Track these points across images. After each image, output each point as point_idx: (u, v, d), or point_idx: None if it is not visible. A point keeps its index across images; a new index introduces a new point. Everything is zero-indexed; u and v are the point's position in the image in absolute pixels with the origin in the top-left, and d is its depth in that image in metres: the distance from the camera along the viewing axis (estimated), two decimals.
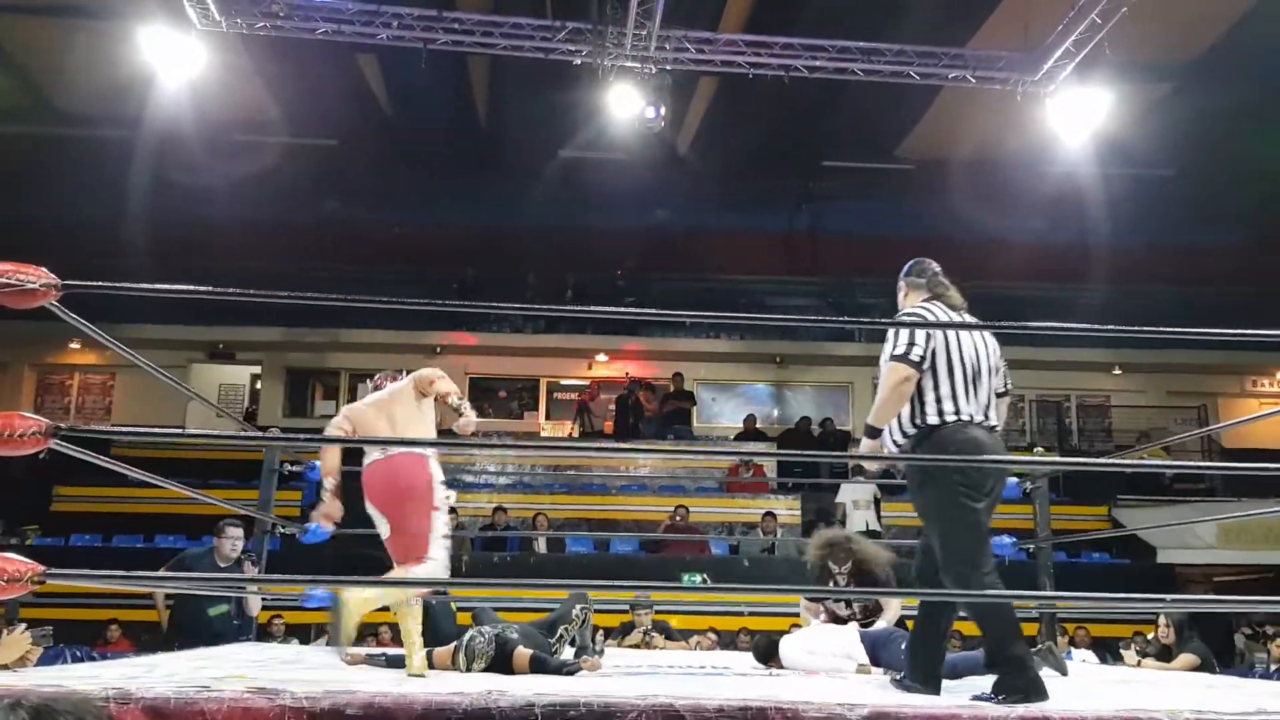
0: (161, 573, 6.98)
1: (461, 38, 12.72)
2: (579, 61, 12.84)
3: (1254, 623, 14.07)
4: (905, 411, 4.30)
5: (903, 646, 5.01)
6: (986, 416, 4.27)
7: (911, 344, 4.23)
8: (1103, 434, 20.96)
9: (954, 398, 4.21)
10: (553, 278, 20.87)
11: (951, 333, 4.29)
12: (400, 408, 5.19)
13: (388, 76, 18.07)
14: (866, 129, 19.14)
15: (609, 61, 12.59)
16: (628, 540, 15.47)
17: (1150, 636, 11.48)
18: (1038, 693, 3.74)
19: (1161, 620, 9.31)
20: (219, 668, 4.35)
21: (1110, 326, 4.56)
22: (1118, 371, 21.23)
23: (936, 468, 4.18)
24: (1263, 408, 20.56)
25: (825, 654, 5.77)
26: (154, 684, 3.14)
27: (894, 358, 4.25)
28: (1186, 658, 8.83)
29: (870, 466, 4.61)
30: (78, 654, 10.35)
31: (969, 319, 4.44)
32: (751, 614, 12.76)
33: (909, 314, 4.40)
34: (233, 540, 7.39)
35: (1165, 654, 9.15)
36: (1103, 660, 10.82)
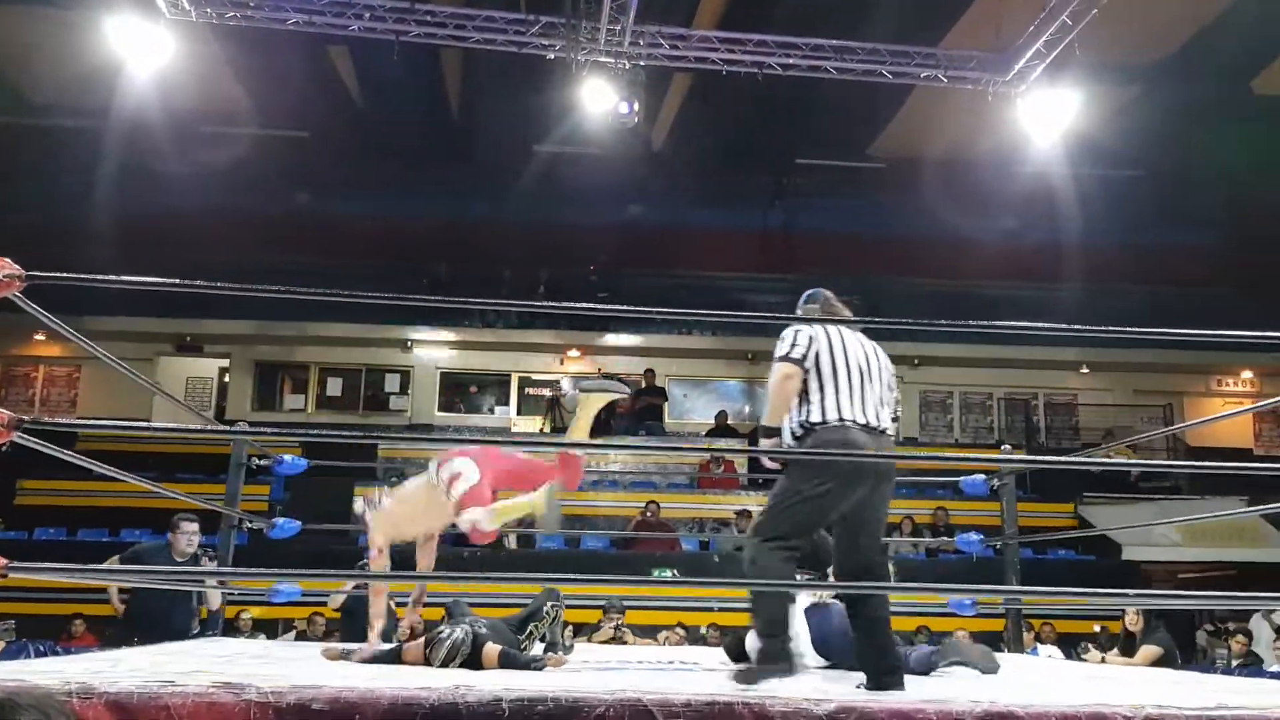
0: (117, 566, 6.97)
1: (434, 30, 12.66)
2: (552, 56, 12.80)
3: (1216, 619, 14.21)
4: (794, 413, 4.51)
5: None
6: (871, 420, 4.45)
7: (793, 345, 4.50)
8: (1070, 432, 21.09)
9: (836, 400, 4.43)
10: (525, 273, 20.85)
11: (836, 340, 4.52)
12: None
13: (359, 68, 18.00)
14: (840, 127, 19.21)
15: (582, 56, 12.56)
16: (599, 536, 15.46)
17: (1119, 628, 11.60)
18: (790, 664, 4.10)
19: (1129, 609, 9.37)
20: (184, 662, 4.32)
21: (1077, 326, 4.59)
22: (1085, 370, 21.37)
23: (797, 460, 4.43)
24: (1227, 407, 20.73)
25: None
26: (118, 679, 3.11)
27: (777, 359, 4.52)
28: (1149, 649, 8.88)
29: (768, 464, 4.78)
30: (41, 649, 10.26)
31: (859, 334, 4.67)
32: (721, 609, 12.78)
33: (799, 324, 4.66)
34: (188, 535, 7.25)
35: (1129, 643, 9.20)
36: (1068, 656, 10.89)
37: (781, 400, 4.51)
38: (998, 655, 5.64)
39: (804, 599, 5.79)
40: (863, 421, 4.41)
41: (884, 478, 4.46)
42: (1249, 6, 14.96)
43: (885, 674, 4.15)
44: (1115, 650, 9.47)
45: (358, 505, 5.61)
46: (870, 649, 4.31)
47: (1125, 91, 16.99)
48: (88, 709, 2.88)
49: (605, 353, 20.63)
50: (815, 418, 4.42)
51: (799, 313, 4.91)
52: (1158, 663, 8.68)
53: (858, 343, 4.59)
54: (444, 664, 4.82)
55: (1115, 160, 19.12)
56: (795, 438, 4.52)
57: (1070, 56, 12.26)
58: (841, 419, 4.40)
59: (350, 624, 9.20)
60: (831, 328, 4.60)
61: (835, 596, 4.84)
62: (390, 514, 5.39)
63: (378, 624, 5.37)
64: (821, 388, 4.45)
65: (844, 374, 4.47)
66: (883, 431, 4.49)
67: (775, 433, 4.60)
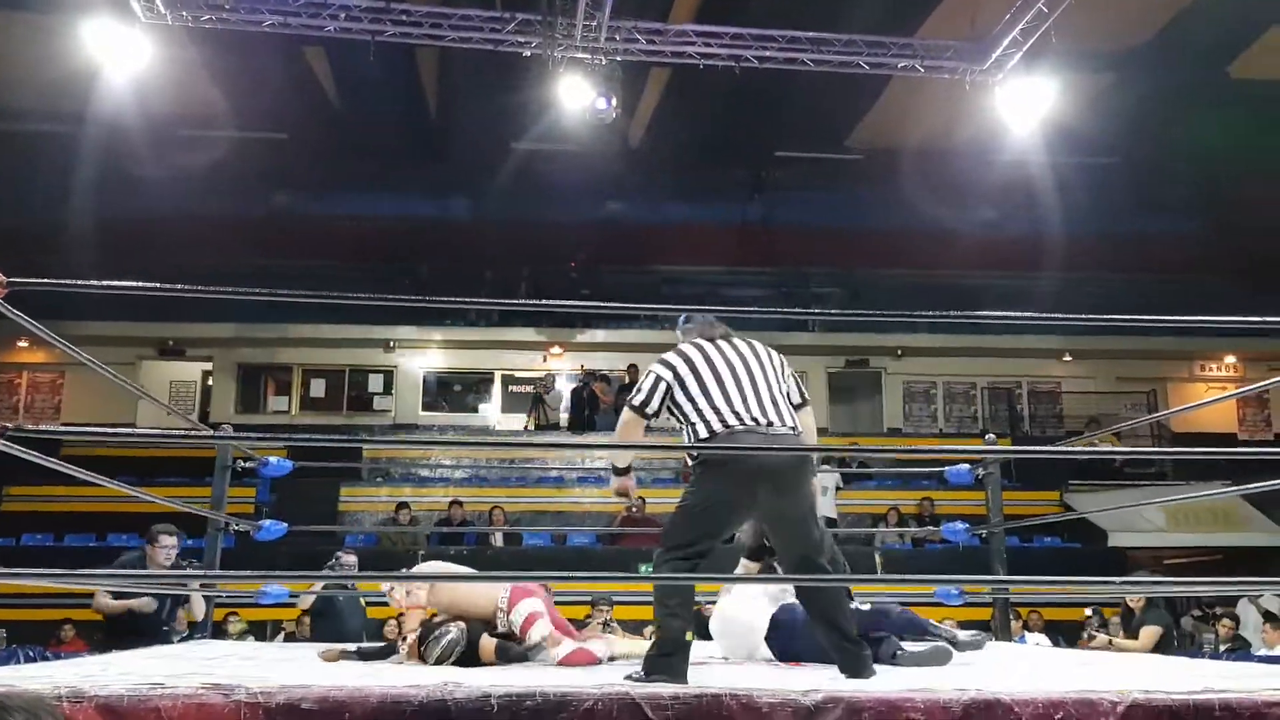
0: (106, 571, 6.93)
1: (410, 29, 12.63)
2: (529, 53, 12.79)
3: (1203, 604, 14.28)
4: (687, 438, 4.58)
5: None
6: (759, 418, 4.43)
7: (637, 390, 4.59)
8: (1054, 420, 21.17)
9: (715, 411, 4.44)
10: (506, 271, 20.84)
11: (702, 358, 4.55)
12: None
13: (336, 69, 17.95)
14: (817, 119, 19.23)
15: (559, 53, 12.55)
16: (585, 533, 15.47)
17: (1112, 614, 11.67)
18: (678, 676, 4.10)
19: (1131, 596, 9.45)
20: (174, 665, 4.32)
21: (1059, 314, 4.61)
22: (1068, 358, 21.46)
23: (696, 472, 4.50)
24: (1210, 392, 20.84)
25: (734, 637, 5.85)
26: (108, 682, 3.11)
27: (626, 405, 4.63)
28: (1150, 630, 8.95)
29: (621, 497, 4.87)
30: (30, 654, 10.25)
31: (738, 345, 4.65)
32: (709, 603, 12.78)
33: (658, 361, 4.66)
34: (167, 549, 7.16)
35: (1130, 620, 9.27)
36: (1055, 643, 10.95)
37: (624, 442, 4.75)
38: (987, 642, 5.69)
39: (764, 601, 5.83)
40: (749, 423, 4.40)
41: (782, 472, 4.39)
42: None
43: (851, 662, 4.20)
44: (1120, 633, 9.51)
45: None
46: (830, 640, 4.32)
47: (1102, 78, 17.05)
48: (78, 712, 2.89)
49: (587, 349, 20.63)
50: (703, 434, 4.45)
51: (678, 334, 4.95)
52: (1160, 641, 8.75)
53: (736, 352, 4.59)
54: (438, 662, 4.83)
55: (1093, 148, 19.20)
56: (693, 459, 4.58)
57: (1046, 44, 12.30)
58: (727, 426, 4.41)
59: (321, 625, 9.22)
60: (701, 347, 4.61)
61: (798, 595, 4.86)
62: (438, 598, 5.38)
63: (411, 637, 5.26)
64: (698, 408, 4.47)
65: (716, 386, 4.47)
66: (772, 425, 4.44)
67: (625, 473, 4.90)
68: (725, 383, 4.49)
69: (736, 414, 4.42)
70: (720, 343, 4.63)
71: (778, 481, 4.37)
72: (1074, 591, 12.83)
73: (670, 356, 4.62)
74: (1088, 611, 12.41)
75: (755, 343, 4.67)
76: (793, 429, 4.52)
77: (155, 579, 6.75)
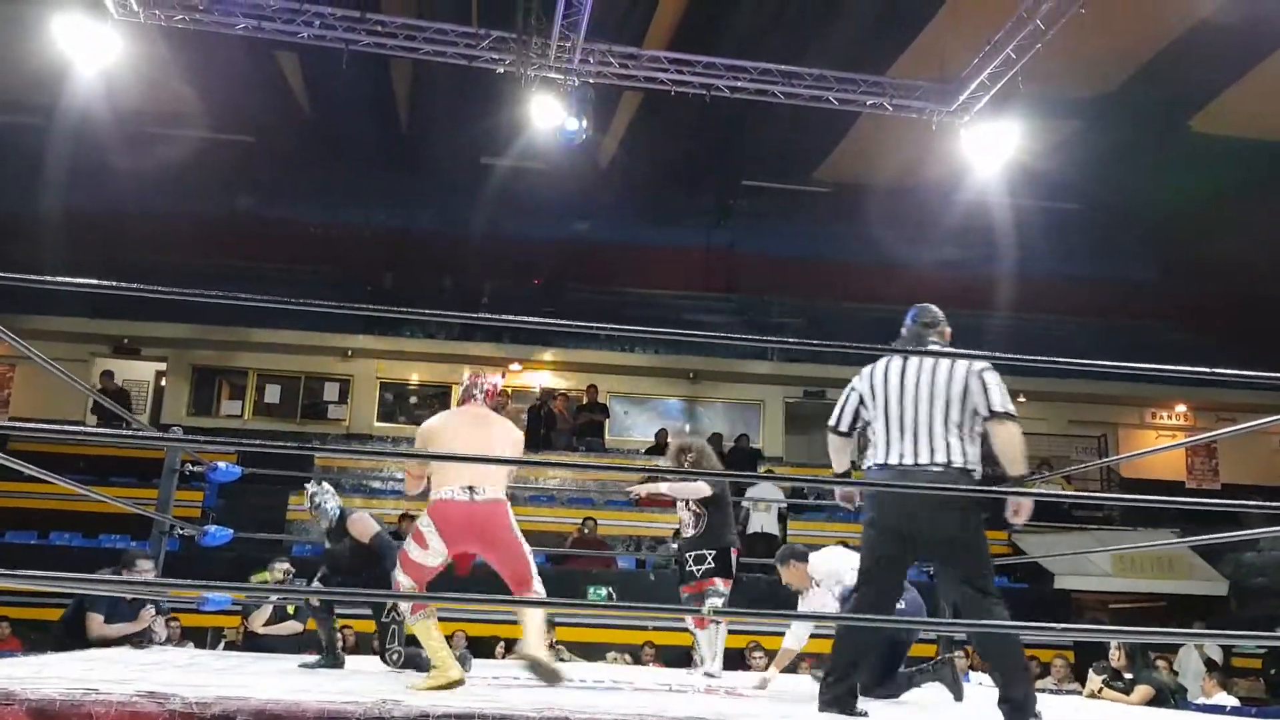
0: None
1: (384, 40, 12.63)
2: (502, 70, 12.81)
3: (1145, 651, 14.39)
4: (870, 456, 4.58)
5: None
6: (907, 458, 4.40)
7: (835, 409, 4.67)
8: None
9: (876, 447, 4.49)
10: (469, 285, 20.80)
11: (880, 389, 4.51)
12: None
13: (308, 75, 17.92)
14: (786, 151, 19.39)
15: (532, 72, 12.58)
16: (534, 552, 15.39)
17: (1049, 657, 11.75)
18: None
19: (1114, 645, 9.49)
20: (109, 670, 4.27)
21: (1014, 355, 4.64)
22: (1022, 399, 21.53)
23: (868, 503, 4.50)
24: (1160, 439, 21.05)
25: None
26: (40, 685, 3.08)
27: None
28: (1143, 689, 9.01)
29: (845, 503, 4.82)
30: None
31: (924, 364, 4.56)
32: (656, 628, 12.80)
33: (858, 375, 4.71)
34: (141, 574, 7.04)
35: (1118, 678, 9.32)
36: None
37: (835, 459, 4.77)
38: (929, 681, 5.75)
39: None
40: (894, 462, 4.40)
41: (929, 514, 4.38)
42: (1188, 47, 15.28)
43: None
44: (1114, 688, 9.50)
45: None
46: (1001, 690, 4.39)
47: (1067, 125, 17.28)
48: (8, 715, 2.85)
49: (547, 367, 20.61)
50: (869, 460, 4.53)
51: (902, 333, 4.92)
52: (1152, 702, 8.78)
53: (917, 373, 4.49)
54: None
55: (1055, 192, 19.43)
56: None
57: (1014, 89, 12.45)
58: (881, 463, 4.44)
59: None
60: (889, 364, 4.58)
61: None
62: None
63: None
64: (873, 432, 4.53)
65: (881, 417, 4.48)
66: (917, 468, 4.39)
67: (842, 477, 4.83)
68: (890, 415, 4.47)
69: (888, 451, 4.43)
70: (909, 361, 4.56)
71: (929, 522, 4.38)
72: (1019, 633, 12.88)
73: (864, 372, 4.64)
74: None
75: (942, 360, 4.52)
76: (945, 465, 4.41)
77: (102, 582, 6.66)
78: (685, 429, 20.94)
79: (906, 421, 4.42)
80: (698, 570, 6.94)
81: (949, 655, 6.07)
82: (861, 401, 4.58)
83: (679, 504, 7.22)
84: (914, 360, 4.53)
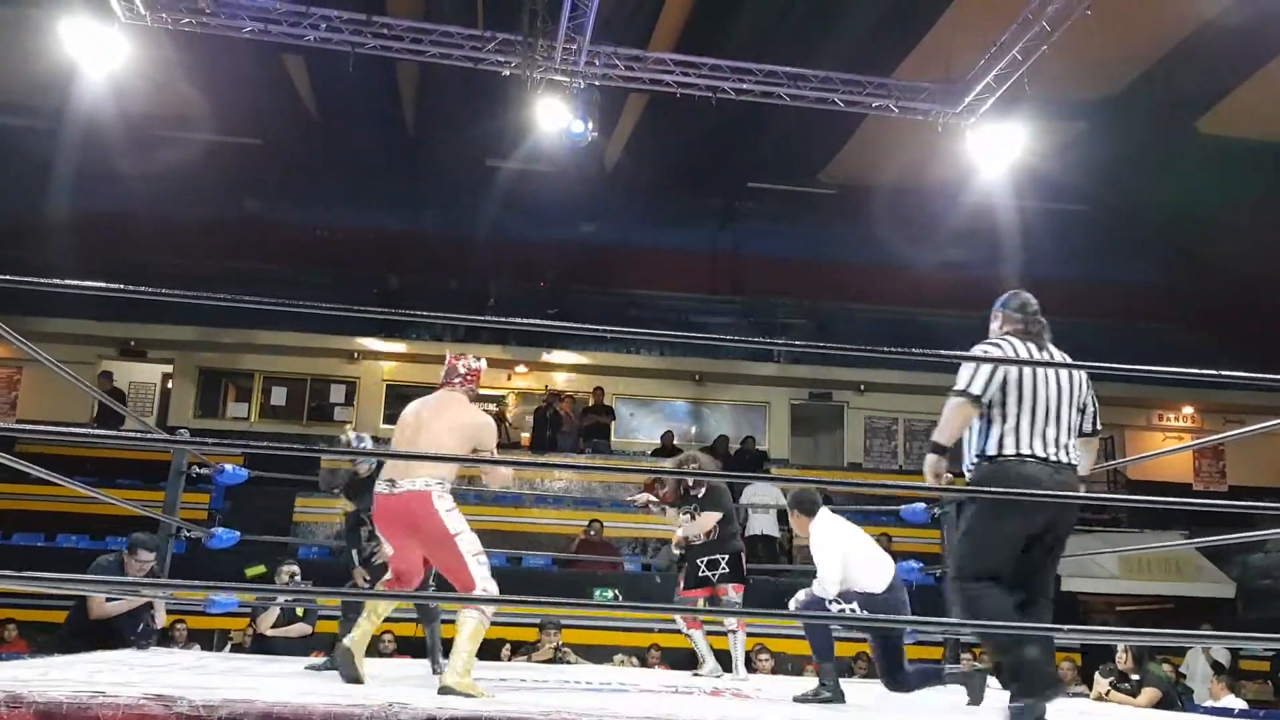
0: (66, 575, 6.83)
1: (390, 43, 12.64)
2: (508, 73, 12.82)
3: (1152, 653, 14.37)
4: (973, 443, 4.46)
5: None
6: (1055, 453, 4.35)
7: (973, 377, 4.38)
8: None
9: (1017, 433, 4.33)
10: (475, 287, 20.80)
11: (1028, 370, 4.38)
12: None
13: (315, 78, 17.94)
14: (791, 153, 19.37)
15: (538, 74, 12.58)
16: (540, 555, 15.40)
17: (1060, 659, 11.71)
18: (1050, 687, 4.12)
19: (1120, 647, 9.48)
20: (116, 673, 4.28)
21: (1017, 357, 4.63)
22: None
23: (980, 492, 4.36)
24: (1168, 441, 20.99)
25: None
26: (47, 688, 3.08)
27: (954, 392, 4.43)
28: (1150, 692, 9.00)
29: (932, 479, 4.58)
30: None
31: (1057, 356, 4.53)
32: (662, 631, 12.79)
33: (986, 346, 4.52)
34: (140, 563, 7.04)
35: (1124, 680, 9.31)
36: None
37: (956, 426, 4.45)
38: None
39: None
40: (1041, 455, 4.31)
41: (1061, 514, 4.36)
42: (1195, 48, 15.24)
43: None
44: (1121, 690, 9.49)
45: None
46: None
47: (1073, 126, 17.24)
48: (16, 718, 2.86)
49: (552, 369, 20.61)
50: (992, 450, 4.36)
51: (997, 312, 4.74)
52: (1160, 705, 8.78)
53: (1051, 371, 4.44)
54: None
55: (1062, 194, 19.40)
56: (972, 468, 4.46)
57: (1020, 91, 12.44)
58: (1019, 453, 4.31)
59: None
60: (1027, 346, 4.47)
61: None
62: None
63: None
64: (1004, 419, 4.35)
65: (1029, 404, 4.34)
66: (1065, 464, 4.37)
67: (944, 450, 4.50)
68: (1038, 402, 4.35)
69: (1032, 441, 4.31)
70: (1040, 350, 4.48)
71: (1055, 521, 4.35)
72: (1026, 635, 12.86)
73: (1003, 344, 4.46)
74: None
75: (1067, 356, 4.50)
76: (1074, 464, 4.41)
77: (115, 584, 6.67)
78: (691, 431, 20.96)
79: (1051, 414, 4.36)
80: (713, 575, 7.03)
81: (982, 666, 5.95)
82: (1005, 379, 4.38)
83: (684, 517, 7.28)
84: (1041, 352, 4.48)
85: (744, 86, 13.12)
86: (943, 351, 4.71)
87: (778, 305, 22.13)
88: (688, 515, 7.21)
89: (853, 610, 5.33)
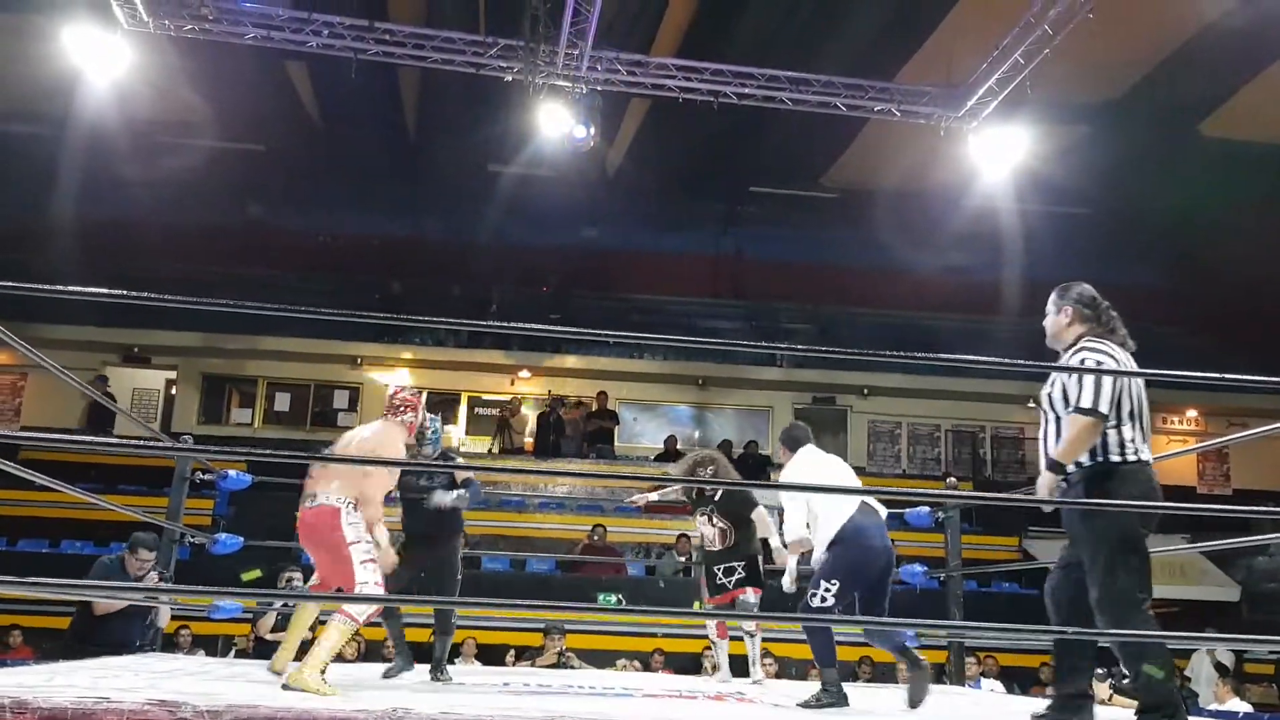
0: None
1: (392, 49, 12.65)
2: (510, 78, 12.82)
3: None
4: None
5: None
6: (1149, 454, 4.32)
7: (1098, 392, 4.23)
8: (1016, 465, 21.25)
9: (1134, 438, 4.27)
10: (478, 292, 20.82)
11: (1134, 382, 4.32)
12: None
13: (317, 85, 17.96)
14: (793, 157, 19.38)
15: (540, 79, 12.59)
16: (544, 559, 15.40)
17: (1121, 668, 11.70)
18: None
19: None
20: (122, 678, 4.28)
21: (1024, 361, 4.64)
22: (1032, 404, 21.52)
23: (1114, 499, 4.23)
24: (1171, 444, 20.95)
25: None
26: (52, 694, 3.09)
27: (1084, 411, 4.23)
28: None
29: (1045, 496, 4.48)
30: None
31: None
32: (666, 635, 12.78)
33: (1091, 352, 4.38)
34: (141, 561, 7.07)
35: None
36: (1010, 690, 10.96)
37: (1082, 449, 4.28)
38: (939, 686, 5.72)
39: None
40: (1148, 459, 4.26)
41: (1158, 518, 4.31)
42: (1196, 51, 15.25)
43: None
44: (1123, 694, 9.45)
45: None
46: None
47: (1075, 129, 17.23)
48: None
49: (555, 374, 20.62)
50: (1115, 456, 4.25)
51: (1067, 308, 4.67)
52: None
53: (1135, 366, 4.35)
54: None
55: (1064, 197, 19.39)
56: (1081, 468, 4.32)
57: (1022, 94, 12.44)
58: (1140, 458, 4.24)
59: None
60: (1121, 350, 4.41)
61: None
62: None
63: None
64: (1119, 425, 4.25)
65: (1138, 407, 4.27)
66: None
67: (1063, 469, 4.35)
68: (1138, 405, 4.31)
69: (1146, 446, 4.26)
70: (1128, 356, 4.42)
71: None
72: (1030, 638, 12.86)
73: (1116, 355, 4.36)
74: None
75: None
76: None
77: (119, 590, 6.68)
78: (694, 436, 20.95)
79: (1147, 416, 4.35)
80: (729, 581, 7.00)
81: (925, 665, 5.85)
82: (1120, 387, 4.27)
83: (702, 519, 7.17)
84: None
85: (746, 91, 13.12)
86: (945, 355, 4.70)
87: (780, 309, 22.15)
88: (704, 516, 7.12)
89: (829, 589, 5.26)
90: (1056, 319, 4.68)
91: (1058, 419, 4.38)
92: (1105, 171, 18.33)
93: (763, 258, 22.45)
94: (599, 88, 12.92)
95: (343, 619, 4.80)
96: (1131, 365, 4.39)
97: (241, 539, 7.54)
